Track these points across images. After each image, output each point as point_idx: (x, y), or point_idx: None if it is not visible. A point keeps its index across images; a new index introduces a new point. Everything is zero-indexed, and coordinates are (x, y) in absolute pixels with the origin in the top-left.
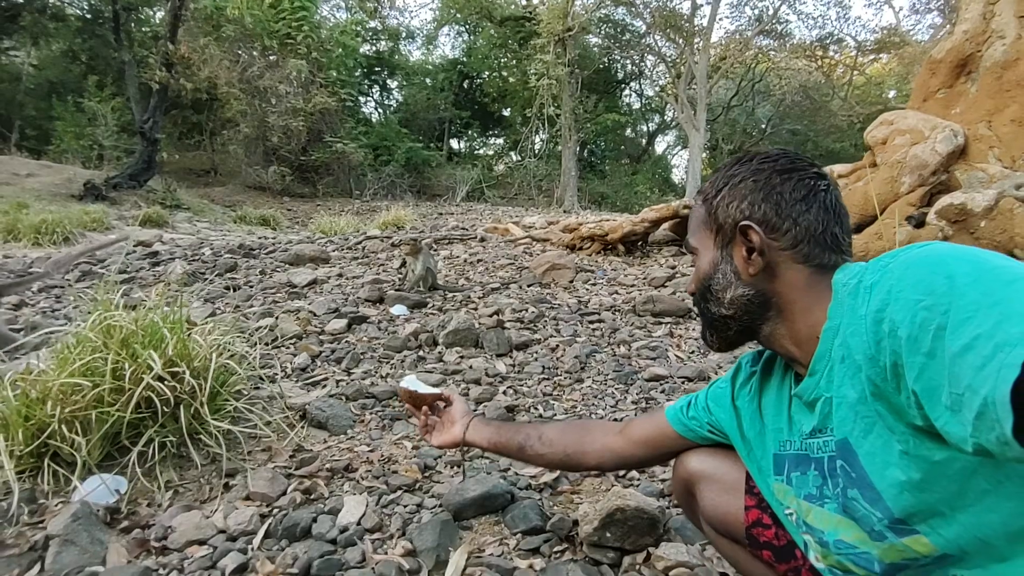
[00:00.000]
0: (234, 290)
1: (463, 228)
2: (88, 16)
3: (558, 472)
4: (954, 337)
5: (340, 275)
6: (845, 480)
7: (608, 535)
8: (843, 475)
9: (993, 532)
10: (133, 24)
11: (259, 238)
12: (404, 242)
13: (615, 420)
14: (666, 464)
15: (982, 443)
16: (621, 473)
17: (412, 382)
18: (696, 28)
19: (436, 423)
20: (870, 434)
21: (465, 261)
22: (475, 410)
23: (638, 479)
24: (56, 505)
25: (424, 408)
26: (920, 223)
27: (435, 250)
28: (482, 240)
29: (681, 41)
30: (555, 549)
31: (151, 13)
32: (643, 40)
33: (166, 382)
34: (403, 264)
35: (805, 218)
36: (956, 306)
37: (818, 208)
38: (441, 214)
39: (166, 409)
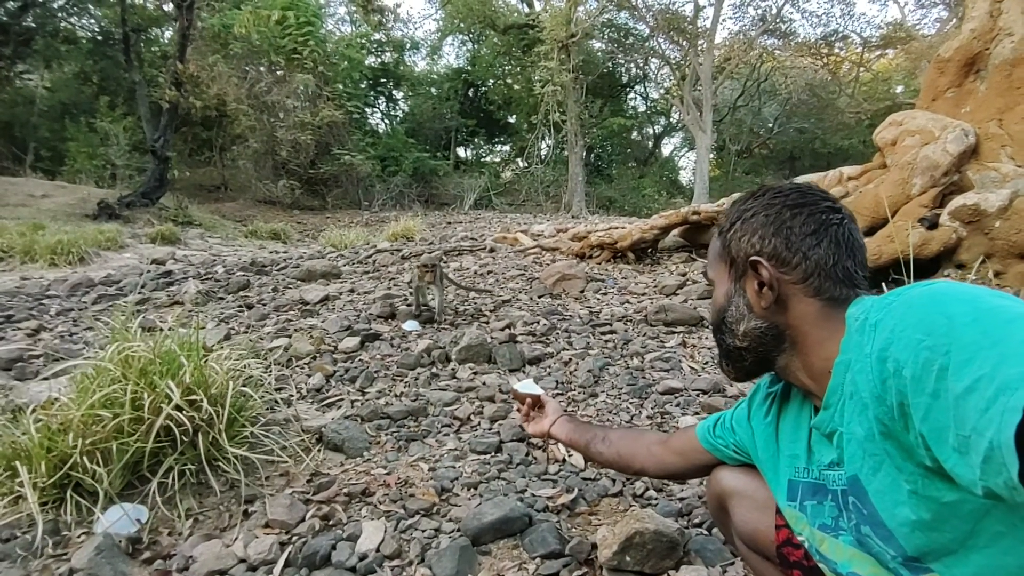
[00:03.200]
0: (248, 309)
1: (472, 238)
2: (99, 38)
3: (576, 493)
4: (956, 378)
5: (352, 291)
6: (858, 516)
7: (628, 559)
8: (855, 511)
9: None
10: (142, 45)
11: (270, 252)
12: (421, 267)
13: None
14: (701, 477)
15: (991, 486)
16: (639, 492)
17: (525, 386)
18: (699, 30)
19: (536, 416)
20: (879, 472)
21: (475, 272)
22: (494, 427)
23: (656, 498)
24: (79, 536)
25: (528, 402)
26: (933, 225)
27: (445, 262)
28: (491, 251)
29: (685, 43)
30: (574, 574)
31: (160, 33)
32: (647, 43)
33: (184, 411)
34: (412, 281)
35: (815, 252)
36: (956, 347)
37: (829, 242)
38: (450, 223)
39: (185, 438)
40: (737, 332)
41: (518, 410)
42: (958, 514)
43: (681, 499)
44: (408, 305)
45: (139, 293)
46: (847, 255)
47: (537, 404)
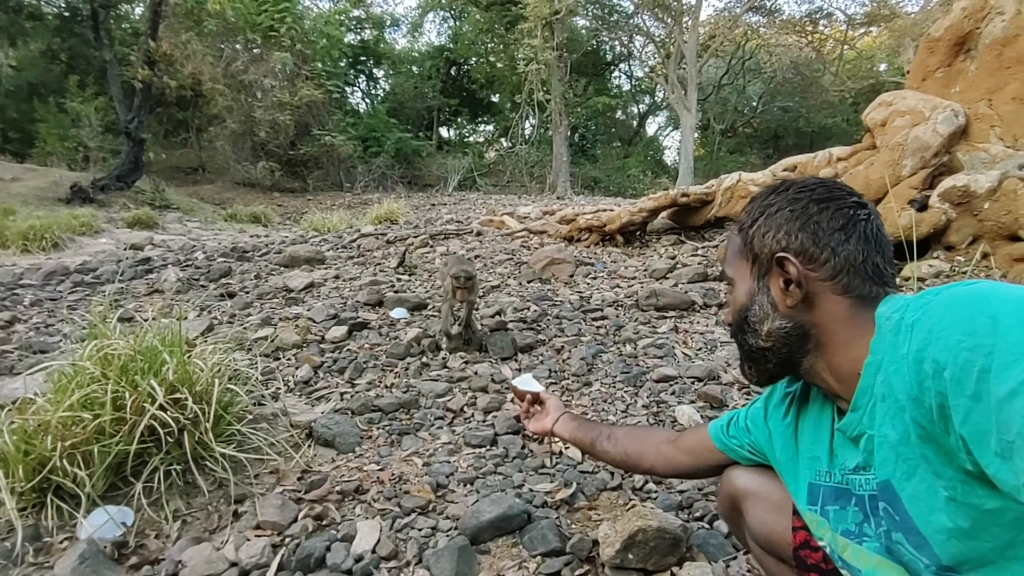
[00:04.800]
0: (230, 297)
1: (458, 221)
2: (65, 14)
3: (574, 487)
4: (999, 381)
5: (337, 277)
6: (888, 523)
7: (630, 557)
8: (886, 517)
9: None
10: (112, 21)
11: (251, 237)
12: (454, 279)
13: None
14: (713, 477)
15: None
16: (638, 486)
17: (523, 381)
18: (684, 6)
19: (536, 413)
20: (913, 477)
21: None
22: (489, 420)
23: (655, 491)
24: (61, 542)
25: (528, 399)
26: (923, 206)
27: (431, 247)
28: (478, 234)
29: (670, 20)
30: (576, 572)
31: (130, 9)
32: (631, 20)
33: (168, 411)
34: (401, 263)
35: (844, 248)
36: (1000, 348)
37: (858, 237)
38: (434, 205)
39: (170, 438)
40: (760, 332)
41: (519, 411)
42: (1000, 522)
43: (681, 492)
44: (396, 292)
45: (118, 281)
46: (876, 251)
47: (536, 401)
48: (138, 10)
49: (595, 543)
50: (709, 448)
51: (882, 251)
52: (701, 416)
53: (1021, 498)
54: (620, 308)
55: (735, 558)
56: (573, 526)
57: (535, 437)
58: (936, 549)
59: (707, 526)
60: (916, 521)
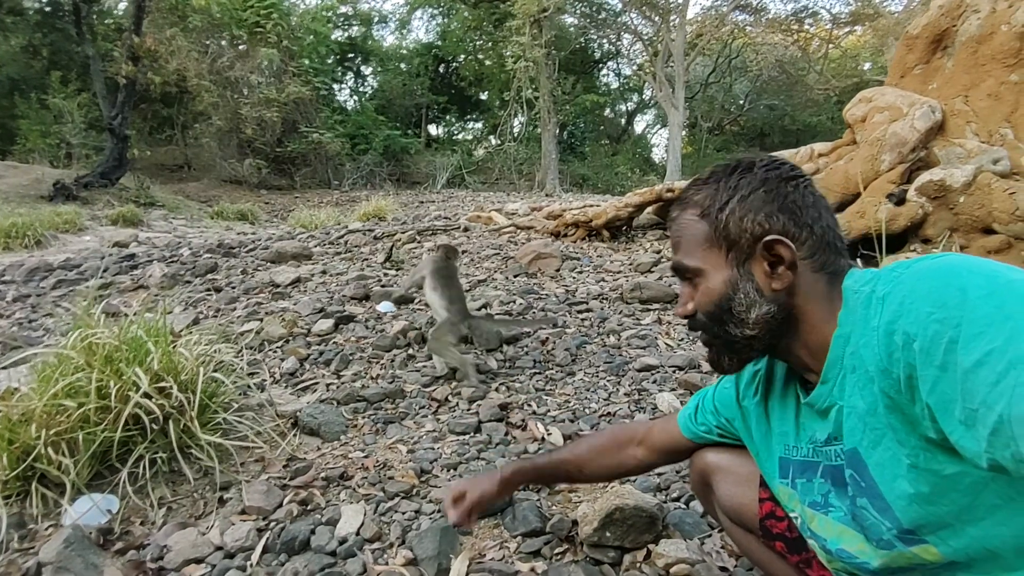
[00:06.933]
0: (216, 292)
1: (446, 218)
2: (47, 9)
3: None
4: (966, 351)
5: (324, 272)
6: (855, 489)
7: (608, 535)
8: (853, 484)
9: (1003, 544)
10: (95, 16)
11: (238, 234)
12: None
13: (610, 414)
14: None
15: (997, 459)
16: None
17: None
18: (672, 5)
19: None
20: (879, 446)
21: None
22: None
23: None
24: (46, 529)
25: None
26: (901, 200)
27: (419, 242)
28: (466, 230)
29: (657, 18)
30: (556, 551)
31: (113, 4)
32: (619, 18)
33: (153, 399)
34: (388, 258)
35: (818, 224)
36: (968, 319)
37: (824, 211)
38: (422, 202)
39: (155, 426)
40: (748, 321)
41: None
42: (957, 487)
43: (659, 474)
44: (383, 286)
45: (101, 277)
46: (835, 223)
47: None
48: (121, 5)
49: (574, 523)
50: (680, 441)
51: (836, 224)
52: (681, 403)
53: (982, 463)
54: (605, 301)
55: (709, 535)
56: (553, 507)
57: (518, 424)
58: (898, 513)
59: (683, 506)
60: (880, 487)
